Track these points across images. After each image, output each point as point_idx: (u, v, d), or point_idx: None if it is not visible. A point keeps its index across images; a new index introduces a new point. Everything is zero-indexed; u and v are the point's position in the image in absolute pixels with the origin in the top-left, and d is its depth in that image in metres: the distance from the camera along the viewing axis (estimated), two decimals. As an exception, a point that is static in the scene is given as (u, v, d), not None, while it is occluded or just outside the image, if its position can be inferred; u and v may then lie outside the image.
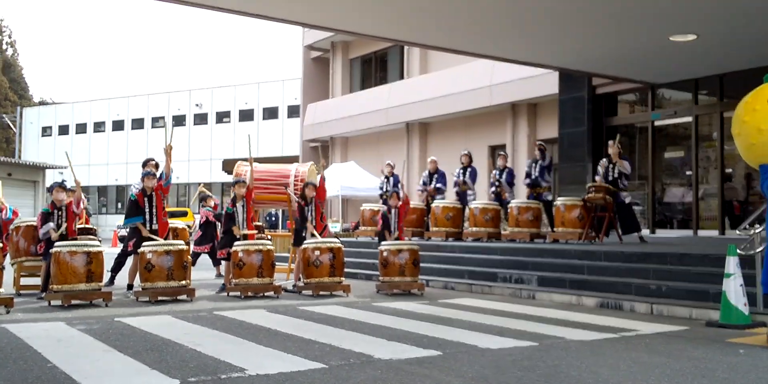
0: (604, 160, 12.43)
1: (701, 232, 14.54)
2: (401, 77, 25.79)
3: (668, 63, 13.49)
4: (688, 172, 15.20)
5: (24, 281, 10.68)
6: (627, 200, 12.42)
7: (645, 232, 14.08)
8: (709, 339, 6.73)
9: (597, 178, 12.64)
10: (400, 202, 11.46)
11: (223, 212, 11.21)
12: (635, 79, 15.08)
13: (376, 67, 27.82)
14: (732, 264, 7.36)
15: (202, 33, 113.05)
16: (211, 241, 12.88)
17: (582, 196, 12.60)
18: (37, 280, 10.44)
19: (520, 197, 15.20)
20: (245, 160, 12.01)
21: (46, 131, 52.04)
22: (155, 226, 10.21)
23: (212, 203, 13.39)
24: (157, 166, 11.37)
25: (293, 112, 39.26)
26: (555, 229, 12.80)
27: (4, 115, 55.20)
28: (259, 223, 13.70)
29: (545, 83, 17.87)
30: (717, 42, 12.02)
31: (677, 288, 8.77)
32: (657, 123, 15.78)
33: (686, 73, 14.36)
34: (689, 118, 15.06)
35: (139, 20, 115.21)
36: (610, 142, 12.52)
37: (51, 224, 9.87)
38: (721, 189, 14.30)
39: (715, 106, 14.62)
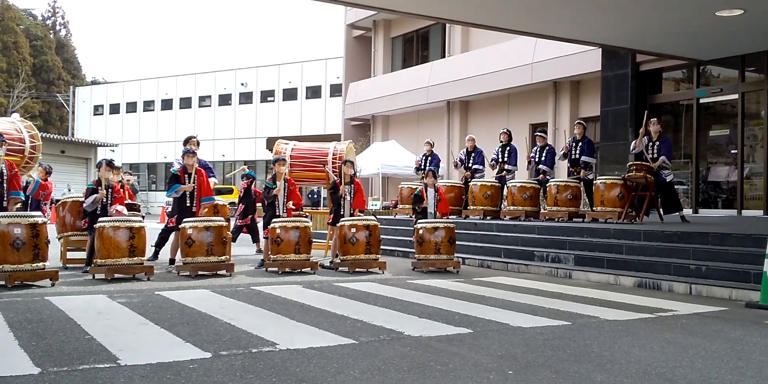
0: (645, 138, 12.16)
1: (746, 212, 14.23)
2: (443, 55, 25.57)
3: (714, 39, 13.13)
4: (733, 151, 14.84)
5: (70, 255, 10.94)
6: (669, 179, 12.10)
7: (688, 211, 13.81)
8: (747, 320, 6.63)
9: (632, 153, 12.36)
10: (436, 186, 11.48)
11: (264, 187, 11.35)
12: (680, 55, 14.73)
13: (418, 46, 27.63)
14: (773, 244, 7.23)
15: (246, 13, 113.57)
16: (252, 213, 13.11)
17: (622, 175, 12.39)
18: (84, 255, 10.67)
19: (560, 176, 15.05)
20: (287, 138, 12.03)
21: (97, 110, 53.14)
22: (193, 208, 10.38)
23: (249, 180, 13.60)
24: (198, 143, 11.56)
25: (336, 90, 39.35)
26: (594, 208, 12.63)
27: (57, 95, 56.54)
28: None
29: (588, 60, 17.56)
30: (765, 17, 11.65)
31: (717, 268, 8.62)
32: (702, 100, 15.42)
33: (733, 49, 13.99)
34: (735, 96, 14.68)
35: (186, 1, 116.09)
36: (653, 120, 12.26)
37: (95, 195, 10.05)
38: (767, 168, 13.94)
39: (763, 83, 14.23)
